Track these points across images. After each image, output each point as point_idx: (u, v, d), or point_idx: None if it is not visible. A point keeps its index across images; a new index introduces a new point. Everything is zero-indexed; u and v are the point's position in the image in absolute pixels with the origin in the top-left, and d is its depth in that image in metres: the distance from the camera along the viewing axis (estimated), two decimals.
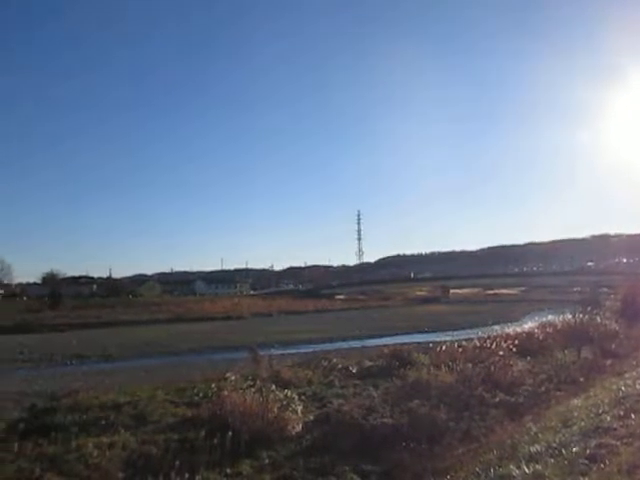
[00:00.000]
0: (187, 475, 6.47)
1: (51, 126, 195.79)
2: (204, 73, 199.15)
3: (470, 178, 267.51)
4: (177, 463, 6.72)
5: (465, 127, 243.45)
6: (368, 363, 16.76)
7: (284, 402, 9.49)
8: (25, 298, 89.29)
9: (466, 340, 17.73)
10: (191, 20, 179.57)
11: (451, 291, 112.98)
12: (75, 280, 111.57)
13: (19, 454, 8.06)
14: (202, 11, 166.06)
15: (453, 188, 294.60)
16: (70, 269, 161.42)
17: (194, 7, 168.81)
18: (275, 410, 9.07)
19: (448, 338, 24.94)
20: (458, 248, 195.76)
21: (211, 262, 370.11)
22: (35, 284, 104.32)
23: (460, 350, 15.38)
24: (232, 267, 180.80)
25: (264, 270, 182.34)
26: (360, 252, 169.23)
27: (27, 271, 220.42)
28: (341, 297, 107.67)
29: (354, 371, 15.83)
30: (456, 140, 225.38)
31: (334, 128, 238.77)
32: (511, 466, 6.40)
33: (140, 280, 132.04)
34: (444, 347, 16.70)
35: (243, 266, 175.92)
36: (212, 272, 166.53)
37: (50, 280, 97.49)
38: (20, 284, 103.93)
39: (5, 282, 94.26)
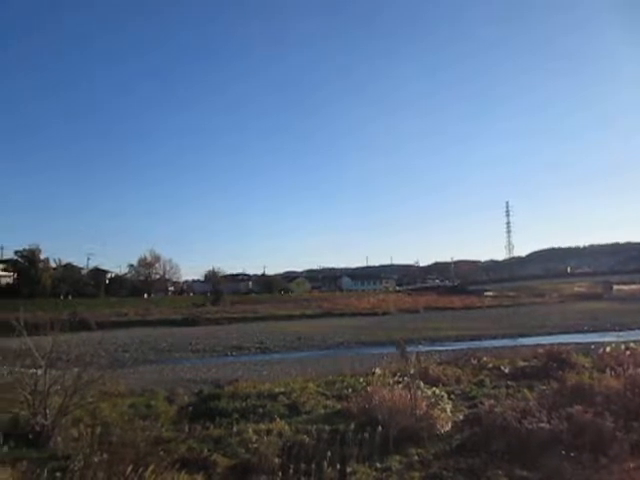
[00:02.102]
0: (338, 466, 6.67)
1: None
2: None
3: (635, 159, 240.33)
4: (329, 454, 6.96)
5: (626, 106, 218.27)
6: (521, 363, 15.91)
7: (432, 400, 9.37)
8: (191, 294, 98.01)
9: (635, 342, 16.00)
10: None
11: (615, 287, 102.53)
12: (233, 277, 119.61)
13: (189, 435, 8.94)
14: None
15: (615, 172, 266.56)
16: (229, 267, 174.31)
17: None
18: (424, 407, 8.99)
19: (612, 339, 22.70)
20: (622, 239, 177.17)
21: (356, 259, 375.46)
22: (199, 281, 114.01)
23: (628, 353, 13.93)
24: (377, 263, 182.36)
25: (409, 266, 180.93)
26: (510, 246, 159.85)
27: (192, 269, 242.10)
28: (490, 293, 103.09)
29: (506, 371, 15.13)
30: (615, 120, 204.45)
31: (494, 120, 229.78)
32: None
33: (291, 277, 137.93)
34: (608, 349, 15.28)
35: (388, 262, 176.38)
36: (357, 268, 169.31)
37: (211, 277, 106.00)
38: (186, 281, 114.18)
39: (174, 280, 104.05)
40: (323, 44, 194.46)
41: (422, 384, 10.01)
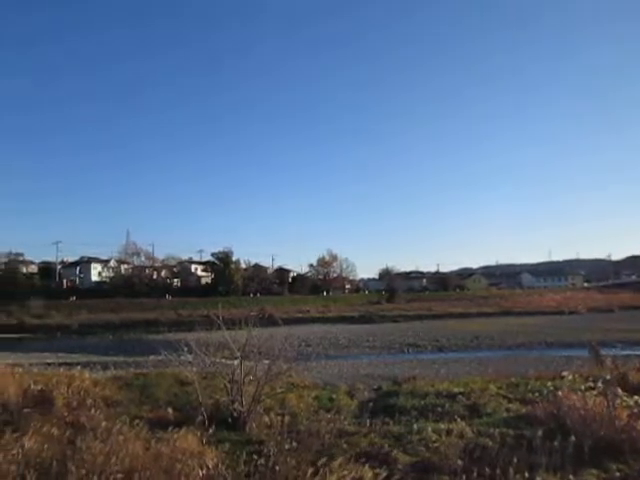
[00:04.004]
0: (526, 474, 6.31)
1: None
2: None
3: None
4: (514, 459, 6.63)
5: None
6: None
7: (635, 410, 8.40)
8: (366, 292, 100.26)
9: None
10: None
11: None
12: (407, 275, 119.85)
13: (370, 430, 9.18)
14: None
15: None
16: (402, 265, 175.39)
17: None
18: (624, 418, 8.10)
19: None
20: None
21: (538, 253, 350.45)
22: (373, 279, 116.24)
23: None
24: (561, 258, 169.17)
25: (599, 260, 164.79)
26: None
27: (367, 268, 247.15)
28: None
29: None
30: None
31: None
32: None
33: (466, 274, 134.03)
34: None
35: (573, 256, 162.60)
36: (539, 264, 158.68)
37: (386, 275, 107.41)
38: (362, 279, 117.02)
39: (350, 278, 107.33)
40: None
41: (620, 392, 9.04)
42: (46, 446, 6.68)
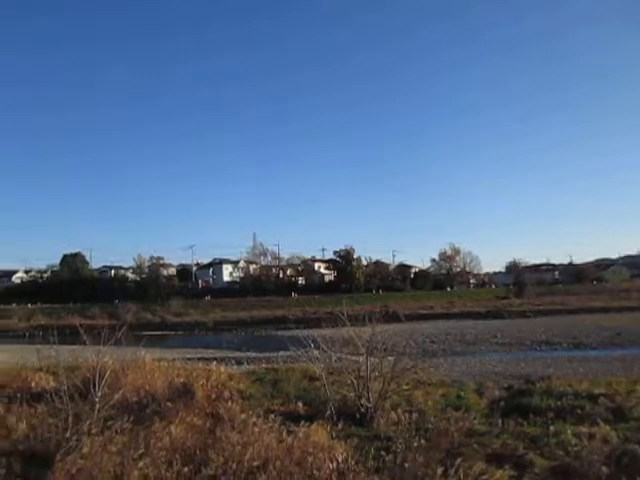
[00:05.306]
0: None
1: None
2: None
3: None
4: None
5: None
6: None
7: None
8: (492, 286, 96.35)
9: None
10: None
11: None
12: (537, 268, 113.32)
13: (503, 430, 8.84)
14: None
15: None
16: (531, 257, 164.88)
17: None
18: None
19: None
20: None
21: None
22: (500, 273, 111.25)
23: None
24: None
25: None
26: None
27: (493, 261, 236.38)
28: None
29: None
30: None
31: None
32: None
33: (604, 265, 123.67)
34: None
35: None
36: None
37: (513, 269, 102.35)
38: (487, 274, 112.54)
39: (475, 272, 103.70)
40: None
41: None
42: (190, 435, 7.25)
